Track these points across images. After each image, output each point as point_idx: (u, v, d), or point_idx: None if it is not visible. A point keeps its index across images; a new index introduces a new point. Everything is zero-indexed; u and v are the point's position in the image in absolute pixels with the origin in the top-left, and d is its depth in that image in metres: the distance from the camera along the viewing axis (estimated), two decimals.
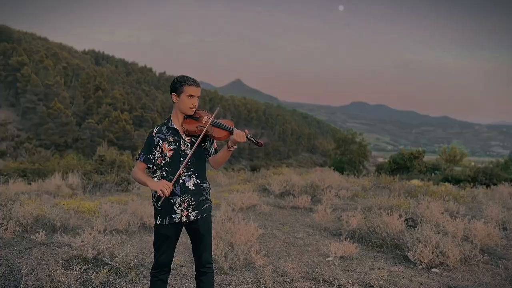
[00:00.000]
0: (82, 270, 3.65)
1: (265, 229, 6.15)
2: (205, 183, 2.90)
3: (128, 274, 4.00)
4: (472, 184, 18.98)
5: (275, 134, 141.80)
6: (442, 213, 6.47)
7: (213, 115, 2.86)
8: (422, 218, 6.31)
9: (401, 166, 34.44)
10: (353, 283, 3.83)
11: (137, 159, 2.89)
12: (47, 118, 60.19)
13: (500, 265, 4.66)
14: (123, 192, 9.33)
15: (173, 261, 4.25)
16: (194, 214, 2.82)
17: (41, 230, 5.06)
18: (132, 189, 9.51)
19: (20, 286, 3.47)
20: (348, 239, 5.15)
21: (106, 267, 4.00)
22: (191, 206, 2.81)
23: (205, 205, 2.89)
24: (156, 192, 2.86)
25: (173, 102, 2.88)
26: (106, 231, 5.35)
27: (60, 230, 5.32)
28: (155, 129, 2.88)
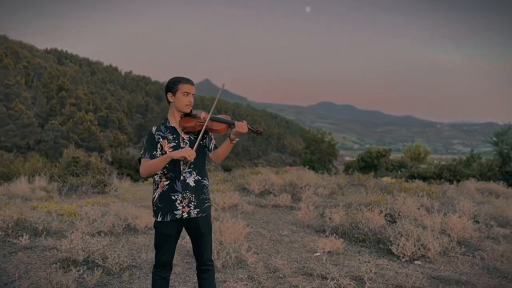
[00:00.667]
0: (81, 272, 3.61)
1: (250, 227, 6.22)
2: (205, 180, 2.95)
3: (122, 275, 3.98)
4: (437, 180, 19.78)
5: (245, 135, 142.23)
6: (418, 208, 6.76)
7: (212, 109, 2.91)
8: (400, 214, 6.59)
9: (369, 164, 35.36)
10: (344, 277, 3.97)
11: (140, 158, 2.88)
12: (8, 120, 57.72)
13: (477, 256, 4.95)
14: (99, 194, 9.15)
15: None
16: (196, 212, 2.86)
17: (24, 234, 4.93)
18: (109, 191, 9.35)
19: None
20: (334, 234, 5.31)
21: (98, 268, 3.96)
22: (192, 203, 2.85)
23: (206, 204, 2.93)
24: (156, 189, 2.89)
25: (169, 102, 2.92)
26: (91, 233, 5.28)
27: (45, 233, 5.19)
28: (154, 128, 2.90)
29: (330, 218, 6.19)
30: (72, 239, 4.53)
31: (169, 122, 2.90)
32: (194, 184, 2.86)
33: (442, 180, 17.79)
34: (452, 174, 22.81)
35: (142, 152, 2.87)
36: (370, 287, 3.89)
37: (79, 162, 10.32)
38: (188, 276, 4.07)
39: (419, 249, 4.91)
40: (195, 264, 4.33)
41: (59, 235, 5.37)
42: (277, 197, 8.23)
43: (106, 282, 3.82)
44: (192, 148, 2.84)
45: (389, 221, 6.35)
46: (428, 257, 4.84)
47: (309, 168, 14.18)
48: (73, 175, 9.23)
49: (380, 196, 7.63)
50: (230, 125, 2.86)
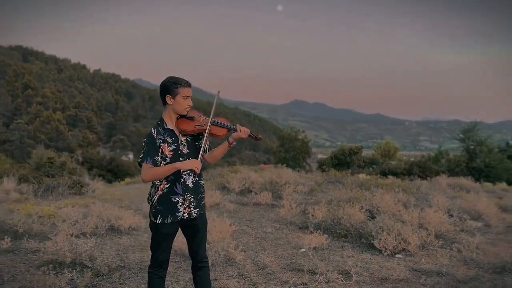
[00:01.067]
0: (74, 274, 3.57)
1: (234, 226, 6.27)
2: (202, 180, 2.99)
3: (112, 276, 3.96)
4: (408, 176, 20.40)
5: None
6: (396, 204, 6.99)
7: (212, 114, 2.93)
8: (379, 209, 6.79)
9: (342, 162, 36.06)
10: (332, 271, 4.09)
11: (141, 163, 2.84)
12: None
13: (454, 248, 5.18)
14: (76, 195, 8.97)
15: None
16: (196, 212, 2.90)
17: (6, 237, 4.81)
18: (86, 192, 9.18)
19: None
20: (318, 231, 5.43)
21: (87, 270, 3.92)
22: (193, 204, 2.88)
23: (203, 203, 2.98)
24: (156, 192, 2.89)
25: (166, 104, 2.89)
26: (74, 235, 5.19)
27: (27, 236, 5.07)
28: (154, 131, 2.85)
29: (312, 215, 6.32)
30: (58, 241, 4.47)
31: (166, 124, 2.87)
32: (193, 185, 2.88)
33: (415, 176, 18.35)
34: (421, 170, 23.57)
35: (142, 155, 2.80)
36: (357, 281, 4.02)
37: (54, 163, 10.06)
38: (180, 275, 4.08)
39: (400, 243, 5.09)
40: (184, 264, 4.38)
41: (41, 237, 5.26)
42: (258, 195, 8.31)
43: (96, 283, 3.79)
44: (197, 157, 2.85)
45: (369, 217, 6.54)
46: (409, 251, 5.03)
47: (286, 166, 14.36)
48: (48, 176, 9.00)
49: (359, 193, 7.84)
50: (230, 129, 2.90)
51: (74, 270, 3.77)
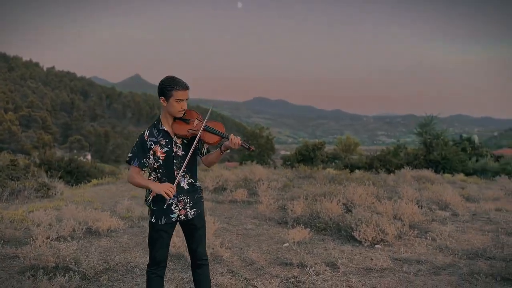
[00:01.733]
0: (61, 278, 3.45)
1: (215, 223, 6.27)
2: (198, 182, 2.98)
3: (99, 279, 3.87)
4: (369, 170, 21.02)
5: None
6: (369, 196, 7.23)
7: (205, 120, 2.90)
8: (353, 202, 7.00)
9: (306, 157, 36.60)
10: (320, 264, 4.20)
11: (129, 163, 2.82)
12: None
13: (428, 237, 5.44)
14: (43, 198, 8.62)
15: (142, 261, 4.22)
16: (193, 212, 2.89)
17: None
18: (54, 194, 8.83)
19: None
20: (301, 225, 5.54)
21: (73, 274, 3.80)
22: (188, 205, 2.87)
23: (200, 201, 2.98)
24: (150, 193, 2.87)
25: (162, 105, 2.87)
26: (51, 239, 5.02)
27: (2, 242, 4.84)
28: (147, 133, 2.83)
29: (292, 210, 6.42)
30: (36, 245, 4.31)
31: (161, 125, 2.85)
32: (188, 187, 2.87)
33: (377, 169, 18.91)
34: (382, 163, 24.40)
35: (130, 155, 2.80)
36: (344, 272, 4.15)
37: (17, 165, 9.61)
38: (173, 275, 4.04)
39: (378, 234, 5.29)
40: (176, 264, 4.35)
41: (15, 242, 5.04)
42: (234, 193, 8.33)
43: (85, 286, 3.69)
44: (183, 150, 2.84)
45: (345, 210, 6.73)
46: (387, 241, 5.23)
47: (257, 163, 14.44)
48: (12, 179, 8.57)
49: (333, 187, 8.03)
50: (223, 137, 2.88)
51: (59, 275, 3.66)
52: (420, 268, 4.29)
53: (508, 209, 7.36)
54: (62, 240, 4.79)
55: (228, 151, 2.91)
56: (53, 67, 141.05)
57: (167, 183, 2.74)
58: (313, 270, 4.04)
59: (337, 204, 6.36)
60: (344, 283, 3.83)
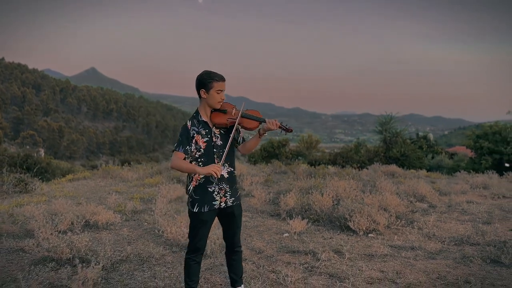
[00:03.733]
0: (100, 266, 3.48)
1: None
2: (235, 171, 3.14)
3: (120, 268, 3.91)
4: (333, 166, 21.67)
5: (139, 127, 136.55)
6: (354, 189, 7.60)
7: (242, 108, 3.07)
8: (338, 195, 7.33)
9: (271, 154, 37.13)
10: (328, 251, 4.45)
11: (173, 150, 2.95)
12: None
13: (415, 227, 5.84)
14: (22, 193, 8.34)
15: (154, 251, 4.31)
16: (232, 200, 3.05)
17: None
18: (33, 189, 8.57)
19: None
20: (298, 216, 5.77)
21: (93, 264, 3.82)
22: (228, 193, 3.02)
23: (238, 193, 3.14)
24: (191, 182, 3.00)
25: (201, 97, 3.01)
26: (61, 231, 4.98)
27: (5, 235, 4.73)
28: (189, 123, 2.99)
29: (284, 203, 6.65)
30: (46, 237, 4.27)
31: (201, 116, 3.00)
32: (227, 176, 3.03)
33: (336, 165, 19.53)
34: (344, 160, 25.27)
35: (176, 144, 2.95)
36: (350, 258, 4.43)
37: None
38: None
39: (370, 224, 5.63)
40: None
41: (14, 236, 4.93)
42: None
43: (105, 276, 3.73)
44: (222, 140, 2.99)
45: (333, 202, 7.04)
46: (379, 230, 5.58)
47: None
48: None
49: (318, 181, 8.34)
50: (261, 122, 3.06)
51: (82, 265, 3.68)
52: (416, 253, 4.65)
53: (477, 201, 7.97)
54: (70, 232, 4.75)
55: (266, 134, 3.07)
56: (2, 59, 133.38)
57: (212, 164, 2.87)
58: (324, 256, 4.28)
59: (329, 196, 6.65)
60: (354, 268, 4.10)
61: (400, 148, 31.27)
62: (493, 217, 6.50)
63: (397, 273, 3.98)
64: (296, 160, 35.48)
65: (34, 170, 10.02)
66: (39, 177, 10.04)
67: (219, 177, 2.85)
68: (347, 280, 3.69)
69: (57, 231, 4.91)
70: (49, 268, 3.55)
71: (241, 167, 11.06)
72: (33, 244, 4.47)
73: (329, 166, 15.00)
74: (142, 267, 4.06)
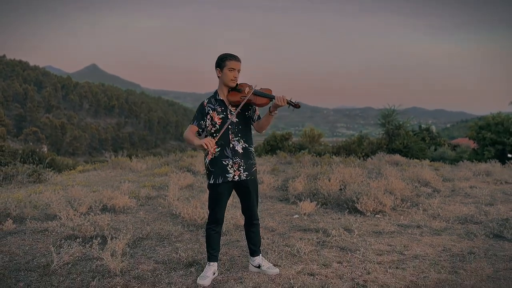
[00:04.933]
0: (128, 237, 3.70)
1: None
2: (252, 147, 3.35)
3: (142, 244, 4.14)
4: (337, 157, 21.83)
5: (141, 123, 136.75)
6: (360, 175, 7.81)
7: (254, 86, 3.28)
8: (346, 181, 7.54)
9: (274, 147, 37.38)
10: (338, 228, 4.67)
11: (190, 123, 3.20)
12: None
13: (420, 208, 6.05)
14: (35, 183, 8.58)
15: (173, 230, 4.53)
16: (245, 175, 3.26)
17: (8, 219, 4.70)
18: (47, 179, 8.81)
19: (51, 267, 3.41)
20: (308, 199, 5.99)
21: (115, 240, 4.05)
22: (242, 167, 3.24)
23: (253, 169, 3.35)
24: (207, 155, 3.23)
25: (218, 77, 3.25)
26: (82, 213, 5.22)
27: (29, 217, 4.97)
28: (206, 101, 3.25)
29: (293, 188, 6.87)
30: (70, 218, 4.50)
31: (218, 95, 3.26)
32: (242, 151, 3.24)
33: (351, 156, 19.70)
34: (347, 152, 25.46)
35: (193, 118, 3.23)
36: (359, 234, 4.64)
37: (5, 151, 9.42)
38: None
39: (377, 205, 5.84)
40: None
41: (38, 219, 5.17)
42: None
43: (130, 251, 3.95)
44: (237, 117, 3.20)
45: (340, 187, 7.25)
46: (385, 212, 5.80)
47: None
48: (1, 165, 8.45)
49: (324, 168, 8.55)
50: (271, 99, 3.26)
51: (108, 241, 3.90)
52: (422, 230, 4.86)
53: (480, 186, 8.17)
54: (84, 214, 4.98)
55: (277, 112, 3.22)
56: (3, 56, 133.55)
57: (207, 138, 3.01)
58: (335, 232, 4.50)
59: (335, 181, 6.87)
60: (363, 242, 4.31)
61: (403, 140, 31.43)
62: (495, 200, 6.71)
63: (404, 246, 4.19)
64: (300, 153, 35.70)
65: (46, 161, 10.25)
66: (51, 168, 10.28)
67: (209, 147, 2.89)
68: (358, 251, 3.91)
69: (79, 212, 5.14)
70: (77, 243, 3.77)
71: None
72: (57, 225, 4.71)
73: (334, 157, 15.20)
74: (163, 243, 4.29)
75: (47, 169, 10.13)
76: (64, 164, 18.40)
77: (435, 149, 30.40)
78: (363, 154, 23.17)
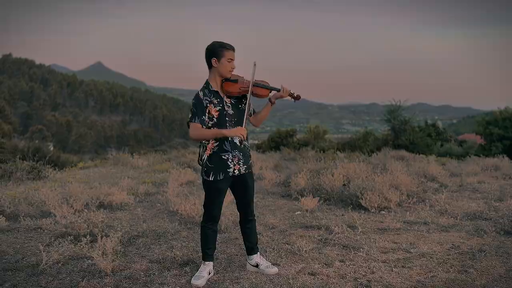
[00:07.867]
0: (119, 235, 3.55)
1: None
2: (247, 142, 3.18)
3: (136, 242, 3.99)
4: (341, 153, 21.65)
5: (146, 121, 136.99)
6: (365, 170, 7.60)
7: (253, 77, 3.10)
8: (348, 176, 7.34)
9: (278, 144, 37.19)
10: (341, 225, 4.48)
11: (189, 122, 2.98)
12: None
13: (427, 204, 5.86)
14: (35, 180, 8.46)
15: (170, 227, 4.37)
16: (245, 168, 3.09)
17: (0, 216, 4.56)
18: (46, 176, 8.69)
19: (40, 267, 3.26)
20: (310, 195, 5.80)
21: (110, 238, 3.89)
22: (241, 161, 3.07)
23: (250, 162, 3.18)
24: (205, 151, 3.05)
25: (211, 67, 3.04)
26: (77, 210, 5.08)
27: (23, 215, 4.83)
28: (201, 93, 3.03)
29: (295, 183, 6.68)
30: (64, 215, 4.36)
31: (211, 86, 3.05)
32: (239, 144, 3.06)
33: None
34: (352, 148, 25.22)
35: (191, 115, 2.97)
36: (363, 231, 4.46)
37: (5, 148, 9.31)
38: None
39: (382, 201, 5.65)
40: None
41: (32, 216, 5.03)
42: None
43: (123, 249, 3.80)
44: (241, 120, 3.02)
45: (344, 182, 7.06)
46: (390, 208, 5.60)
47: None
48: (1, 162, 8.35)
49: (328, 163, 8.36)
50: (273, 89, 3.12)
51: (100, 239, 3.75)
52: (429, 227, 4.67)
53: (488, 181, 7.94)
54: (78, 211, 4.84)
55: (275, 103, 3.17)
56: (9, 54, 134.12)
57: (238, 127, 2.97)
58: (338, 229, 4.32)
59: (339, 176, 6.67)
60: (368, 239, 4.13)
61: (409, 136, 31.09)
62: (505, 195, 6.47)
63: (410, 243, 4.01)
64: (304, 148, 35.51)
65: (47, 158, 10.14)
66: (52, 165, 10.16)
67: (245, 138, 2.98)
68: (361, 249, 3.73)
69: (74, 209, 5.00)
70: (68, 241, 3.62)
71: (251, 154, 11.10)
72: (51, 222, 4.57)
73: (338, 152, 14.99)
74: (159, 241, 4.13)
75: (47, 166, 10.02)
76: (66, 161, 18.35)
77: (442, 145, 30.02)
78: (368, 150, 22.93)
